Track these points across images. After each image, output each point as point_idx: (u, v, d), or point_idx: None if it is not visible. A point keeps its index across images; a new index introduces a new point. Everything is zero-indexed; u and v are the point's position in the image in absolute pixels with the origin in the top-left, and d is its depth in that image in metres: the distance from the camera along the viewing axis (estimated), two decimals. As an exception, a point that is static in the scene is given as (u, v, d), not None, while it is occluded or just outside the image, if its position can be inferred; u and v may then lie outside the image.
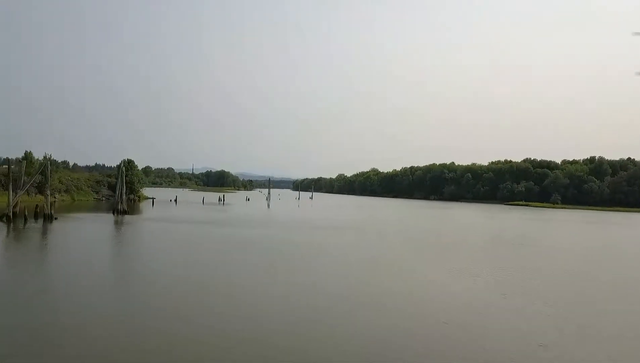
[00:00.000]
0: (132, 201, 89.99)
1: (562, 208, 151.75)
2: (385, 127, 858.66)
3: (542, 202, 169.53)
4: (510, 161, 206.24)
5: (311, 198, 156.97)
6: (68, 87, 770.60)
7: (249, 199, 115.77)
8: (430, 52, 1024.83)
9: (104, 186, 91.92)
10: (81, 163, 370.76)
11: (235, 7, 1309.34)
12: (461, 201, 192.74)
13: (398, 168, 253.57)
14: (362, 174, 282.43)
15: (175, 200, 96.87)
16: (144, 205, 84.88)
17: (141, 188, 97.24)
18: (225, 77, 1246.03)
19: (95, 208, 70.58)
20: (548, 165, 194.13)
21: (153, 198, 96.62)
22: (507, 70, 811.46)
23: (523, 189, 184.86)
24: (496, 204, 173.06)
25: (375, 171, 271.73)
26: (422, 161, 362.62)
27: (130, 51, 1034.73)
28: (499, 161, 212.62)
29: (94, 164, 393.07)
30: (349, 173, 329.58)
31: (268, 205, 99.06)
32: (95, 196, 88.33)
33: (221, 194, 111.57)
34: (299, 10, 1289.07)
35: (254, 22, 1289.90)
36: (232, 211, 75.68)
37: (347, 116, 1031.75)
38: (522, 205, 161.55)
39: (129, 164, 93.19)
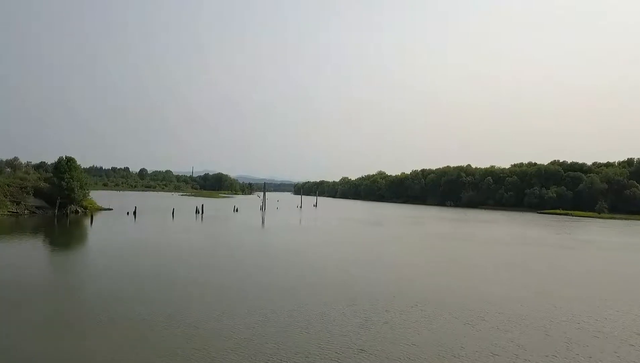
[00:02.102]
0: (66, 216, 61.09)
1: (610, 218, 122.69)
2: (388, 130, 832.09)
3: (578, 210, 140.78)
4: (536, 164, 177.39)
5: (315, 205, 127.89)
6: (63, 88, 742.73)
7: (237, 210, 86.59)
8: (434, 53, 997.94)
9: (30, 193, 62.84)
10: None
11: (234, 12, 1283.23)
12: (483, 208, 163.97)
13: (407, 171, 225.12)
14: (368, 177, 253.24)
15: (135, 213, 67.93)
16: (83, 222, 56.20)
17: (84, 196, 67.98)
18: (225, 79, 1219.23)
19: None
20: (580, 168, 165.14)
21: (91, 212, 67.73)
22: (516, 68, 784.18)
23: (554, 195, 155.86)
24: (527, 212, 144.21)
25: (382, 174, 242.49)
26: (429, 164, 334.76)
27: (129, 53, 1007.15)
28: (522, 164, 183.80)
29: (90, 166, 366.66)
30: (351, 176, 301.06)
31: (262, 220, 70.29)
32: (12, 210, 59.27)
33: (201, 204, 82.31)
34: (298, 14, 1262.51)
35: (254, 26, 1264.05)
36: (202, 236, 46.64)
37: (349, 119, 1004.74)
38: (559, 214, 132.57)
39: (67, 163, 64.55)
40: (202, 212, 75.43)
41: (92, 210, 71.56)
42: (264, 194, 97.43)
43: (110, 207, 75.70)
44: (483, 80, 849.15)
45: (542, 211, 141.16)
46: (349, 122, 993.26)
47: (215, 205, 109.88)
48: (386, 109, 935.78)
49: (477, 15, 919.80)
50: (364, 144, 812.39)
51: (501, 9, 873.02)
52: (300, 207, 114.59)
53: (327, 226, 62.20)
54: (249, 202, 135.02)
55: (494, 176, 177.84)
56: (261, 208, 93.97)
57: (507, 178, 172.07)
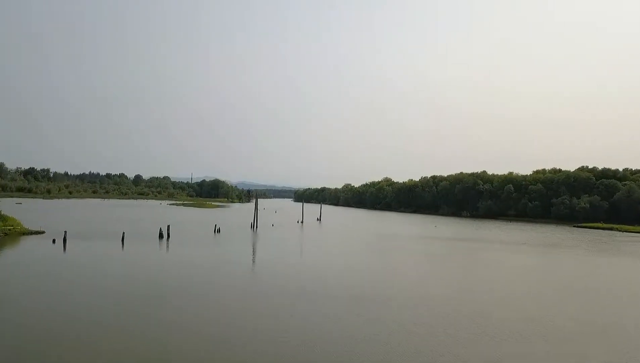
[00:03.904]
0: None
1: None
2: (390, 135, 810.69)
3: (615, 222, 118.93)
4: (560, 170, 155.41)
5: (319, 219, 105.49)
6: (58, 90, 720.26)
7: (219, 231, 64.03)
8: (434, 55, 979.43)
9: None
10: (74, 171, 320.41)
11: (235, 18, 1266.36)
12: (504, 219, 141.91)
13: (413, 178, 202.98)
14: (374, 184, 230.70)
15: (65, 240, 45.75)
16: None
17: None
18: (226, 85, 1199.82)
19: None
20: (614, 175, 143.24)
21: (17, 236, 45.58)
22: (515, 69, 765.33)
23: (587, 205, 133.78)
24: (559, 224, 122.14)
25: (388, 181, 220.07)
26: (434, 171, 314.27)
27: (129, 57, 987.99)
28: (544, 170, 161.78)
29: (88, 173, 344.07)
30: (353, 183, 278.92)
31: (252, 252, 48.42)
32: None
33: (167, 225, 59.78)
34: (298, 15, 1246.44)
35: (254, 27, 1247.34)
36: (126, 317, 24.38)
37: (350, 121, 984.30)
38: (602, 228, 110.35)
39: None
40: (168, 237, 53.24)
41: (13, 234, 49.74)
42: (256, 208, 75.15)
43: (42, 229, 53.50)
44: (484, 82, 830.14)
45: (578, 225, 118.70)
46: (350, 127, 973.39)
47: (198, 220, 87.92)
48: (388, 112, 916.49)
49: (478, 15, 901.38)
50: (365, 149, 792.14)
51: (502, 9, 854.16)
52: (302, 222, 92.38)
53: (343, 267, 40.25)
54: (242, 214, 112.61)
55: (514, 183, 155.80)
56: (252, 226, 71.74)
57: (530, 186, 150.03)
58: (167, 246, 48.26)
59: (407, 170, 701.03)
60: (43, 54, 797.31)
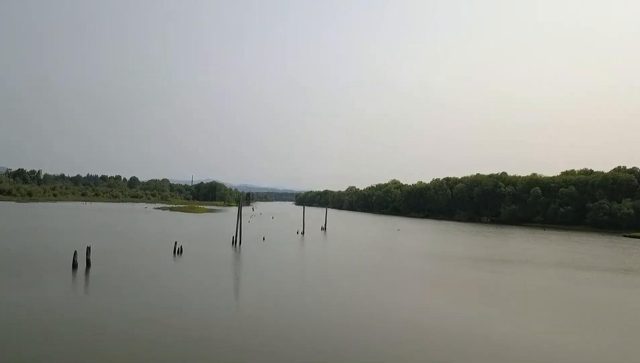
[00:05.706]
0: None
1: None
2: (389, 136, 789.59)
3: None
4: (592, 171, 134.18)
5: (324, 228, 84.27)
6: (56, 92, 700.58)
7: (181, 252, 42.33)
8: (433, 57, 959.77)
9: None
10: (73, 173, 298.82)
11: (235, 18, 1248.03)
12: (532, 226, 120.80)
13: (418, 180, 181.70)
14: (380, 187, 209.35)
15: None
16: None
17: None
18: (226, 86, 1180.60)
19: None
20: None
21: None
22: (513, 70, 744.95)
23: (631, 210, 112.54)
24: (604, 233, 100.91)
25: (396, 184, 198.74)
26: (435, 173, 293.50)
27: (129, 58, 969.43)
28: (573, 171, 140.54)
29: (85, 175, 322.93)
30: (355, 185, 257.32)
31: (216, 302, 27.23)
32: None
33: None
34: (298, 16, 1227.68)
35: (254, 28, 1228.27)
36: None
37: (350, 126, 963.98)
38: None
39: None
40: (88, 266, 32.25)
41: None
42: (240, 215, 54.00)
43: None
44: (484, 83, 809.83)
45: (630, 235, 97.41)
46: (350, 128, 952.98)
47: (168, 232, 66.88)
48: (388, 112, 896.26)
49: (479, 16, 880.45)
50: (366, 149, 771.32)
51: (502, 9, 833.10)
52: (302, 233, 71.23)
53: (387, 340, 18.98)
54: (230, 221, 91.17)
55: (541, 186, 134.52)
56: (233, 243, 50.66)
57: (560, 189, 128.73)
58: (85, 285, 27.58)
59: (408, 171, 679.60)
60: (43, 55, 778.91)
